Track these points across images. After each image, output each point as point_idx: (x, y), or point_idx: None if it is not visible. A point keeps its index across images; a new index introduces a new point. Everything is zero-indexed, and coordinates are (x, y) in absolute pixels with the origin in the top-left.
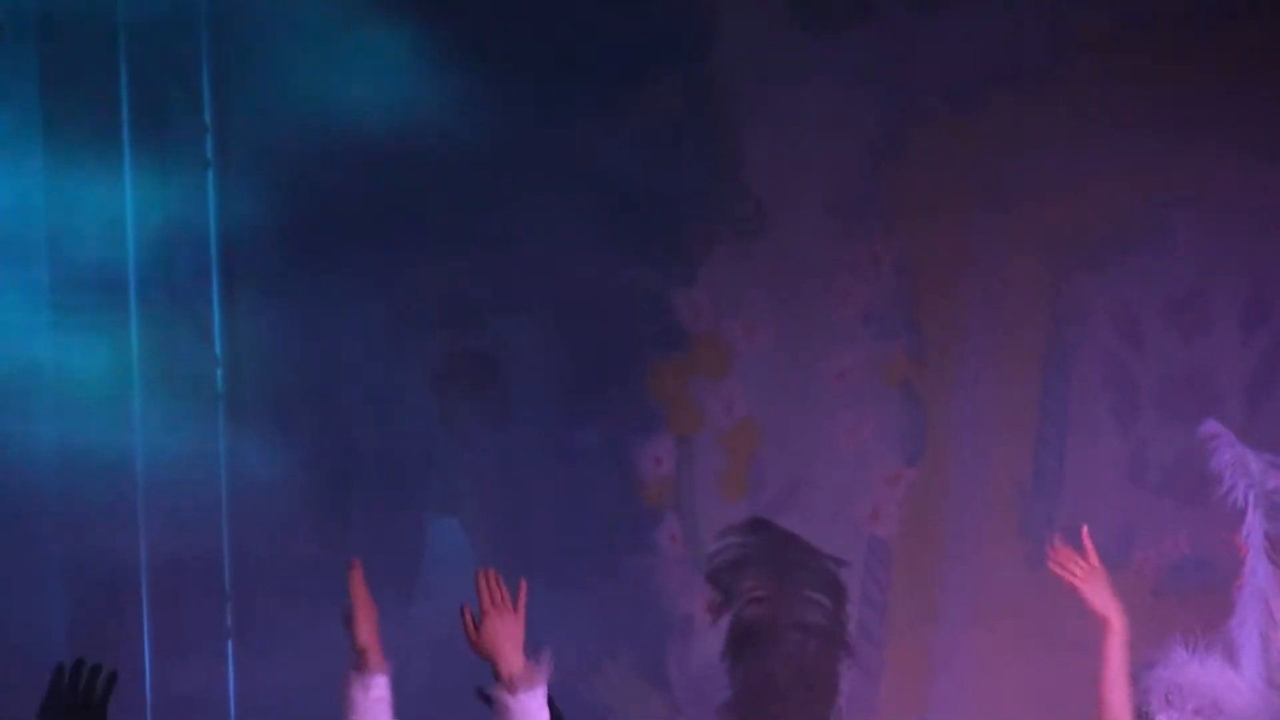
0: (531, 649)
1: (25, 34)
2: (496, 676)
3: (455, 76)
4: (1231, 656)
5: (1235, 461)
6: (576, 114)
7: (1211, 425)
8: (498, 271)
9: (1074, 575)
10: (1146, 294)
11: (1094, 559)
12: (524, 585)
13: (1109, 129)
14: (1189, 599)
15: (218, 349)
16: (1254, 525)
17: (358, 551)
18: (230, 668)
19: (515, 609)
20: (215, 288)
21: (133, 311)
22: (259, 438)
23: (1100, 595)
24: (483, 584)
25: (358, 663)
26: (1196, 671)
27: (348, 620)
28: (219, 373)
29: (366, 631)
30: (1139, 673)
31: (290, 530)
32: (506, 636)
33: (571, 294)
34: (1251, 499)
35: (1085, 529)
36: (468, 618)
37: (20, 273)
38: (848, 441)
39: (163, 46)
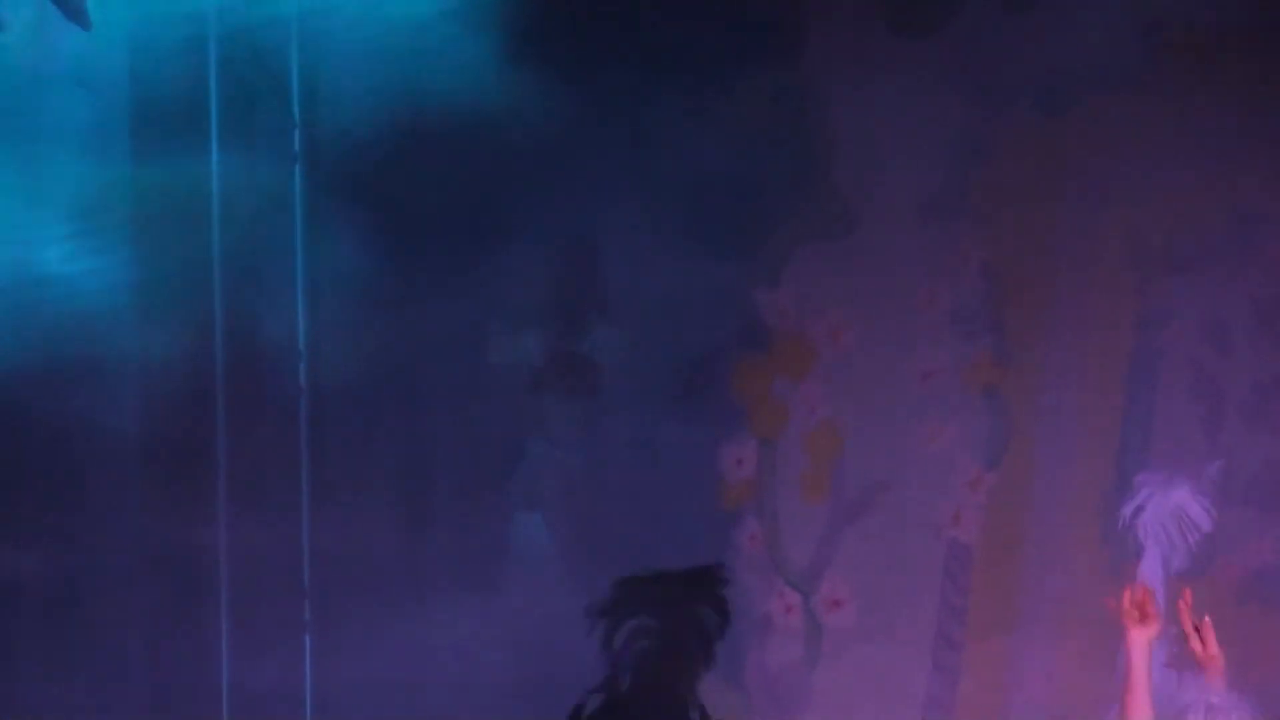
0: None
1: (116, 26)
2: None
3: (542, 74)
4: None
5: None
6: (666, 113)
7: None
8: (585, 269)
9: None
10: (1233, 299)
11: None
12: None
13: (1198, 133)
14: (1274, 606)
15: (301, 343)
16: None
17: (438, 547)
18: (307, 663)
19: None
20: (300, 281)
21: (217, 304)
22: (341, 432)
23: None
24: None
25: None
26: None
27: None
28: (302, 366)
29: None
30: None
31: (370, 525)
32: None
33: (658, 293)
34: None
35: (1208, 619)
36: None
37: (106, 263)
38: (930, 444)
39: (253, 40)
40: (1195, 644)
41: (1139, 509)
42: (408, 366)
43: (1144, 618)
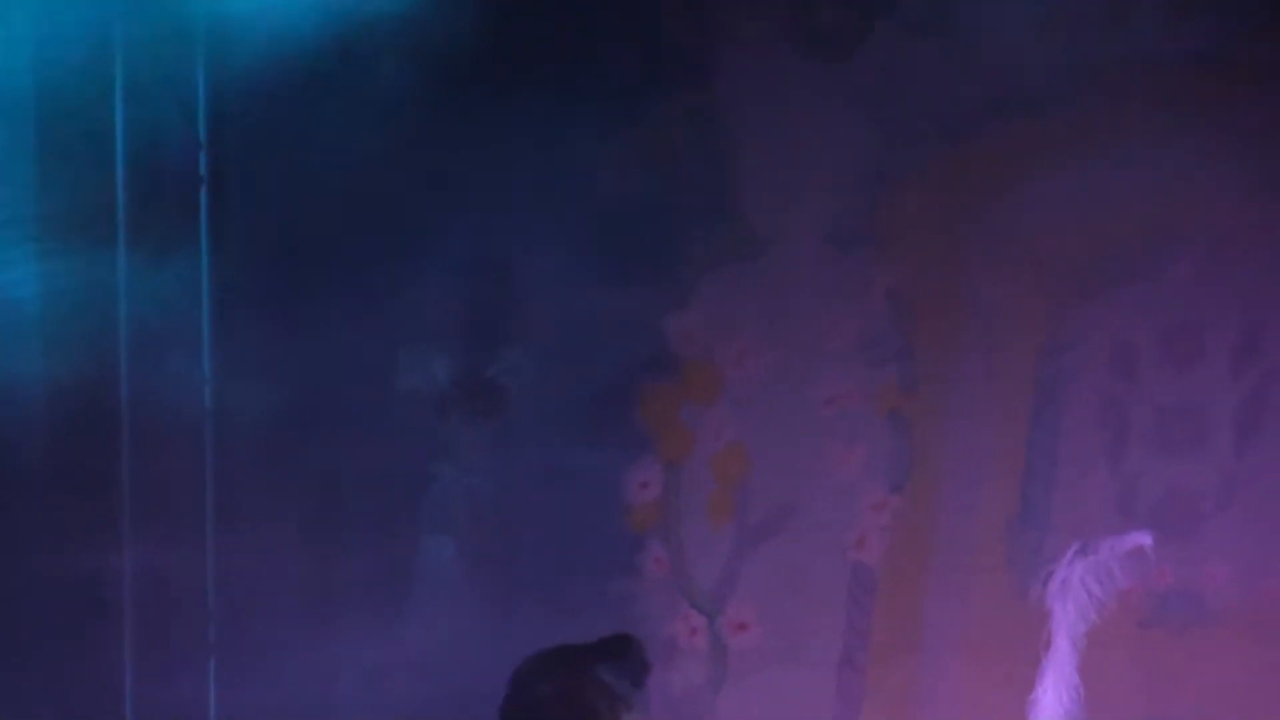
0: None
1: (19, 47)
2: None
3: (453, 97)
4: None
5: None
6: (576, 137)
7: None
8: (494, 294)
9: None
10: (1140, 326)
11: None
12: None
13: (1107, 160)
14: (1177, 632)
15: (206, 367)
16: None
17: (345, 571)
18: (212, 686)
19: None
20: (206, 304)
21: (122, 326)
22: (247, 455)
23: None
24: None
25: None
26: None
27: None
28: (208, 390)
29: None
30: None
31: (277, 549)
32: None
33: (566, 317)
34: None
35: None
36: None
37: (8, 284)
38: (836, 468)
39: (159, 63)
40: None
41: (1054, 579)
42: (315, 390)
43: None
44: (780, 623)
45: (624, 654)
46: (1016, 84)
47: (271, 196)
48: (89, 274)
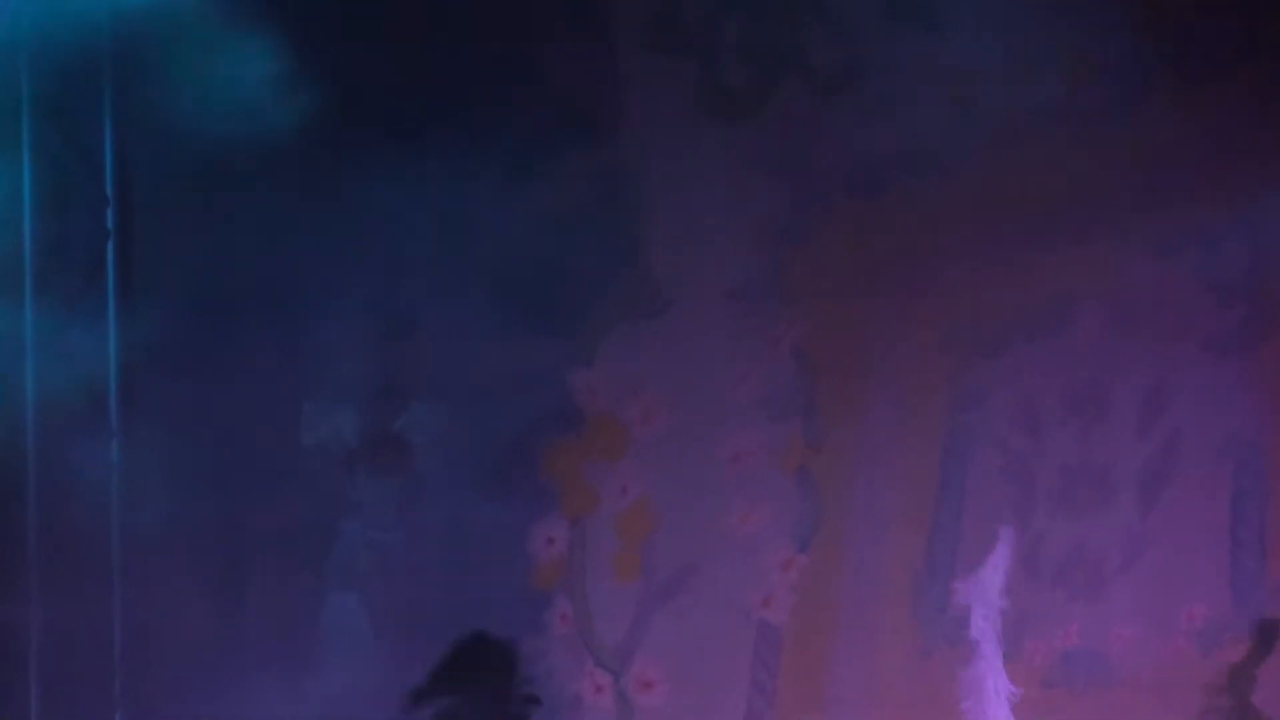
0: None
1: None
2: None
3: (361, 150)
4: None
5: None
6: (483, 191)
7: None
8: (399, 348)
9: None
10: (1045, 384)
11: None
12: None
13: (1013, 220)
14: (1079, 691)
15: (113, 419)
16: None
17: (251, 626)
18: None
19: None
20: (113, 358)
21: (29, 379)
22: (154, 509)
23: None
24: None
25: None
26: None
27: None
28: (114, 443)
29: None
30: None
31: (183, 604)
32: None
33: (472, 372)
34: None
35: None
36: None
37: None
38: (741, 526)
39: (65, 119)
40: None
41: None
42: (221, 444)
43: None
44: (687, 681)
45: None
46: (923, 143)
47: (178, 251)
48: None
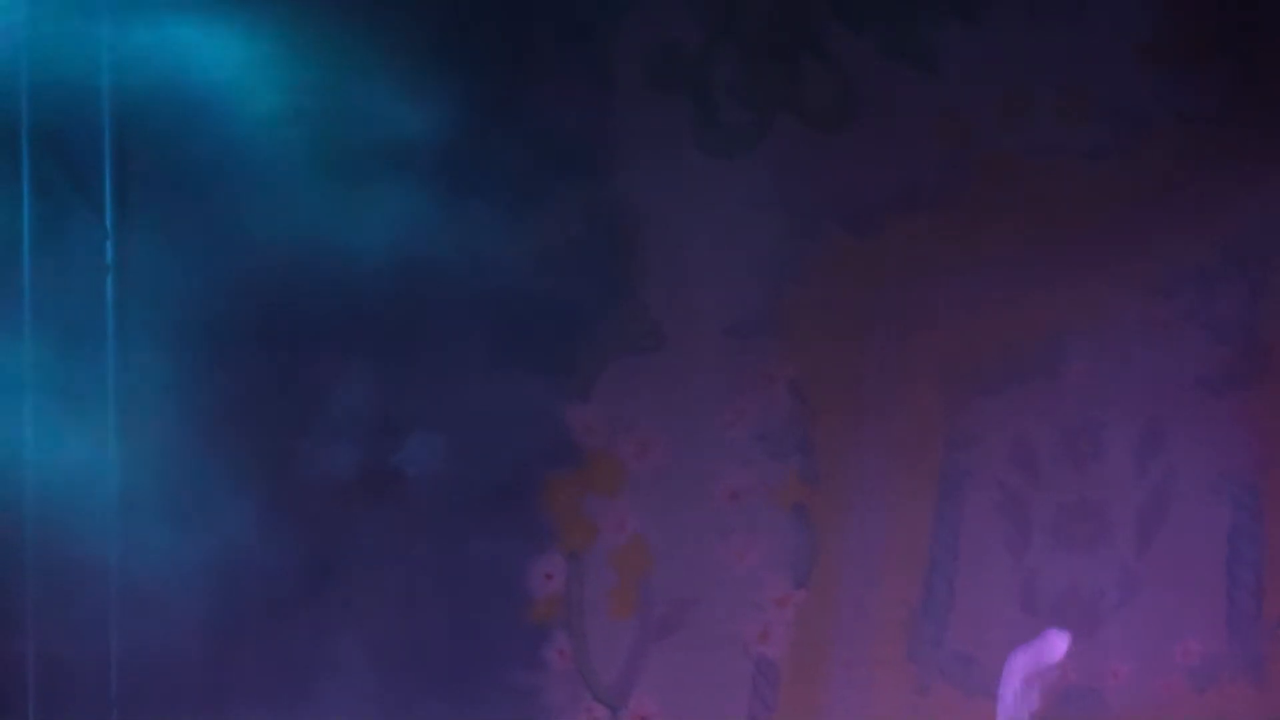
0: None
1: None
2: None
3: (356, 185)
4: None
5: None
6: (480, 227)
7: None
8: (398, 383)
9: None
10: (1040, 423)
11: None
12: None
13: (1007, 258)
14: None
15: (112, 451)
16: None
17: (249, 659)
18: None
19: None
20: (112, 389)
21: (28, 410)
22: (151, 542)
23: None
24: None
25: None
26: None
27: None
28: (113, 476)
29: None
30: None
31: (179, 637)
32: None
33: (470, 407)
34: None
35: None
36: None
37: None
38: (738, 562)
39: (64, 153)
40: None
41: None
42: (218, 478)
43: None
44: (684, 716)
45: None
46: (916, 180)
47: (178, 285)
48: None
